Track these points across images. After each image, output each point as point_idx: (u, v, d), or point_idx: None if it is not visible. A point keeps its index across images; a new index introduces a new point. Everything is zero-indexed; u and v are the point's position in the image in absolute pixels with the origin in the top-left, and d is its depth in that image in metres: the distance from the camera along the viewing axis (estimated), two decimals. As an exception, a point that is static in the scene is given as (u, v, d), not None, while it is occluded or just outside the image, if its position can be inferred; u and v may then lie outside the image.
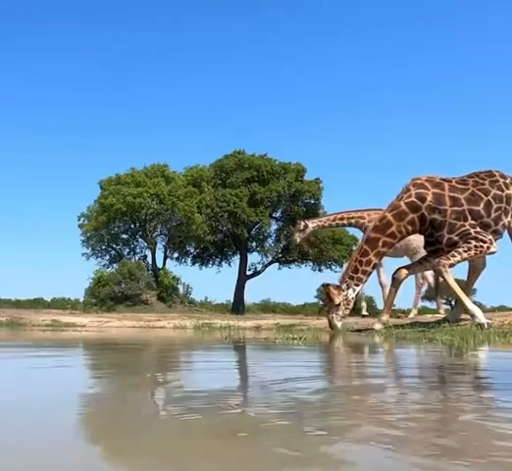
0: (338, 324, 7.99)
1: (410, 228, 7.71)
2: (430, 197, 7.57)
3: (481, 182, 7.82)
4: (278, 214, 32.23)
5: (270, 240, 32.37)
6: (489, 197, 7.71)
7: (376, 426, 1.63)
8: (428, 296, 41.59)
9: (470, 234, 7.41)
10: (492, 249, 7.46)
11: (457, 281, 7.51)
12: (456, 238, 7.44)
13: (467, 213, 7.54)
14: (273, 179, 30.47)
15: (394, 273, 8.22)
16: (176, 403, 2.09)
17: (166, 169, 29.43)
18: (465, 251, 7.33)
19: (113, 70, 53.00)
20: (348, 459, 1.30)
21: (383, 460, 1.27)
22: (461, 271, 8.35)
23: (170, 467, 1.22)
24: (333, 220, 12.51)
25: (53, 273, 51.46)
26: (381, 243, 7.76)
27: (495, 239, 7.65)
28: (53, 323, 12.39)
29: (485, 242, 7.38)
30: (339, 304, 7.91)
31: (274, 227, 32.18)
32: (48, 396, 2.25)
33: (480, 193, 7.70)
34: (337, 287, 7.98)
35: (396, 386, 2.70)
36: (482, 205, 7.62)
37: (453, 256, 7.28)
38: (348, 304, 7.97)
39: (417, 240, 12.98)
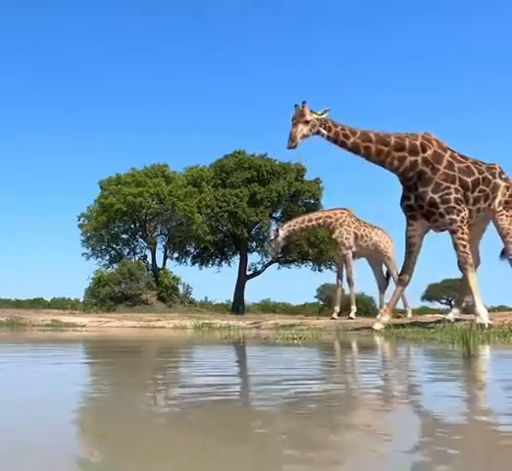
0: (299, 140, 7.67)
1: (396, 163, 7.70)
2: (430, 152, 7.72)
3: (479, 163, 8.18)
4: (278, 214, 32.21)
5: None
6: (480, 176, 8.01)
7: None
8: (428, 296, 41.71)
9: (449, 201, 7.57)
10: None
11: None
12: (437, 200, 7.58)
13: (456, 178, 7.74)
14: (273, 179, 30.46)
15: (400, 275, 8.24)
16: (173, 399, 2.10)
17: (166, 169, 29.42)
18: (461, 239, 7.54)
19: (113, 70, 53.10)
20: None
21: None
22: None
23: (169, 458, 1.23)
24: (303, 222, 12.68)
25: (53, 273, 51.39)
26: (369, 143, 7.67)
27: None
28: (53, 323, 12.39)
29: (461, 212, 7.59)
30: (309, 121, 7.67)
31: (274, 227, 32.14)
32: (44, 395, 2.26)
33: (474, 170, 8.00)
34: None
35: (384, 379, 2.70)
36: (471, 179, 7.89)
37: (466, 253, 7.54)
38: (313, 128, 7.70)
39: (382, 241, 13.12)
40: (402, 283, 8.14)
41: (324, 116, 7.77)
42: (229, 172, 30.68)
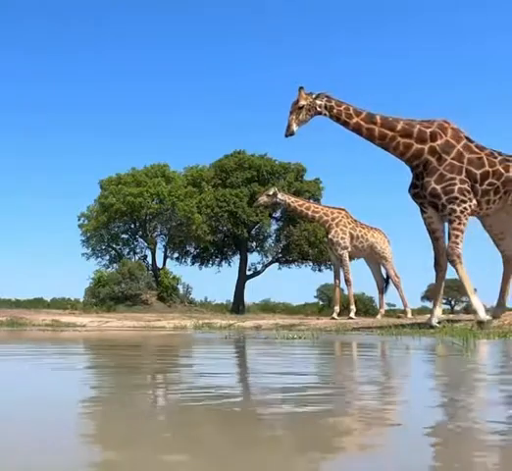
0: (295, 128, 7.78)
1: (401, 148, 7.53)
2: (440, 141, 7.48)
3: (494, 155, 7.80)
4: (277, 214, 32.21)
5: (270, 240, 32.37)
6: (491, 169, 7.66)
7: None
8: (428, 296, 41.70)
9: (452, 191, 7.33)
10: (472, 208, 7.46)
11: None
12: (440, 191, 7.36)
13: (463, 170, 7.48)
14: (273, 179, 30.46)
15: (434, 264, 8.02)
16: (174, 400, 2.10)
17: (166, 169, 29.45)
18: (456, 229, 7.30)
19: (113, 70, 53.13)
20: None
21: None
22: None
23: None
24: (301, 205, 12.76)
25: (53, 273, 51.42)
26: (373, 125, 7.57)
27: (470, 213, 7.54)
28: (53, 323, 12.40)
29: (465, 202, 7.34)
30: (303, 107, 7.74)
31: (274, 227, 32.19)
32: (42, 395, 2.25)
33: (486, 162, 7.67)
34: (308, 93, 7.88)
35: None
36: (480, 171, 7.58)
37: (456, 243, 7.27)
38: (310, 111, 7.77)
39: (379, 243, 13.15)
40: (440, 268, 7.71)
41: (320, 98, 7.75)
42: (229, 172, 30.69)
